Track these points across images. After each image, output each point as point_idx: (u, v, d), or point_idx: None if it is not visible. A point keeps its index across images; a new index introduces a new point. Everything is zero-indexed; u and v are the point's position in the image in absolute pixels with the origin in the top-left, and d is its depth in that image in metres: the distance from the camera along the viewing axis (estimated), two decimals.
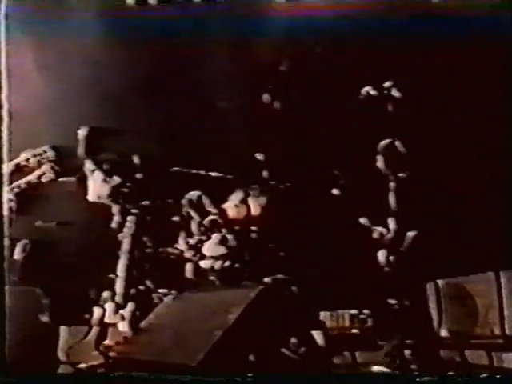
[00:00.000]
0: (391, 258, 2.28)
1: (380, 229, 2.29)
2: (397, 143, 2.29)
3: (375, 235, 2.29)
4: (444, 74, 2.23)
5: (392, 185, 2.31)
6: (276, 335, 2.15)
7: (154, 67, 2.28)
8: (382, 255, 2.28)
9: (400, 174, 2.32)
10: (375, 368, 2.20)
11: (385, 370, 2.19)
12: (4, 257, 2.27)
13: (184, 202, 2.31)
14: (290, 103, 2.29)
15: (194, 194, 2.30)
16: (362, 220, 2.30)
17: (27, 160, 2.33)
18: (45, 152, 2.31)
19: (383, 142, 2.29)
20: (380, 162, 2.30)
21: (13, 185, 2.32)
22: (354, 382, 2.13)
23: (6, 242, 2.30)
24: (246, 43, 2.25)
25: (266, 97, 2.29)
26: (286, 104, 2.29)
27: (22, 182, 2.33)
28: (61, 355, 2.25)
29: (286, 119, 2.30)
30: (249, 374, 2.07)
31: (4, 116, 2.32)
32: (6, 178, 2.32)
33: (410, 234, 2.28)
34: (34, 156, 2.32)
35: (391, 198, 2.32)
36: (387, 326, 2.24)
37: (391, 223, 2.30)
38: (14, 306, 2.24)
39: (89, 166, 2.34)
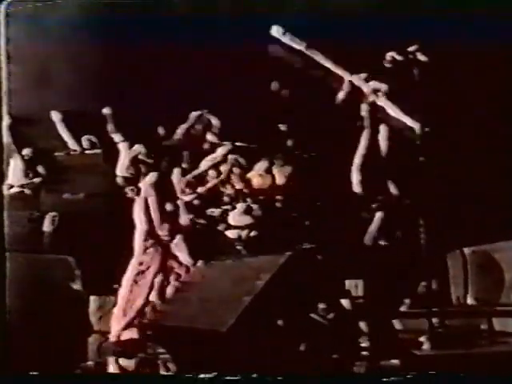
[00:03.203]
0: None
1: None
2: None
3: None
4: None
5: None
6: (304, 301, 2.16)
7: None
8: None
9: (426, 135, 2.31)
10: (421, 338, 2.22)
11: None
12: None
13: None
14: (313, 73, 2.28)
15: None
16: (391, 186, 2.30)
17: None
18: None
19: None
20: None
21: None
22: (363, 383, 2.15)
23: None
24: None
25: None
26: (309, 74, 2.28)
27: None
28: (93, 323, 2.29)
29: (309, 88, 2.29)
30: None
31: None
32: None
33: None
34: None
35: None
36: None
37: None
38: (47, 273, 2.29)
39: (117, 138, 2.36)
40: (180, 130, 2.33)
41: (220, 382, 2.10)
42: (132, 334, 2.27)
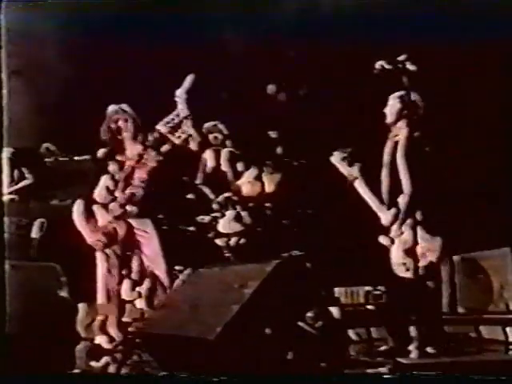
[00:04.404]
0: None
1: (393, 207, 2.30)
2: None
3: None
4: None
5: (407, 162, 2.32)
6: (292, 309, 2.16)
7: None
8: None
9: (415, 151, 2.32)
10: (410, 347, 2.22)
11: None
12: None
13: None
14: (304, 81, 2.28)
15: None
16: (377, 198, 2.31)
17: None
18: None
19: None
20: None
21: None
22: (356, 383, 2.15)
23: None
24: None
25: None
26: (300, 82, 2.29)
27: None
28: (80, 331, 2.28)
29: (300, 96, 2.30)
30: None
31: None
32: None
33: (423, 210, 2.29)
34: None
35: (405, 175, 2.32)
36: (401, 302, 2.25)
37: (404, 200, 2.30)
38: (34, 281, 2.27)
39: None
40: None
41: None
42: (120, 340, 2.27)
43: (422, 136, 2.30)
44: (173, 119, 2.30)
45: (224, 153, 2.34)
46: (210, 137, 2.33)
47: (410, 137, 2.31)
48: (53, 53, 2.28)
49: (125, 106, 2.30)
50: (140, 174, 2.32)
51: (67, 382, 2.23)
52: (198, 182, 2.35)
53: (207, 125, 2.33)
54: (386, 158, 2.31)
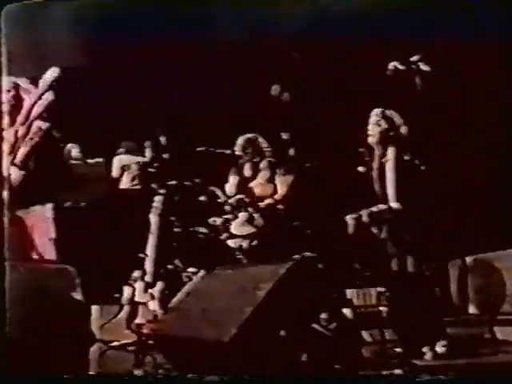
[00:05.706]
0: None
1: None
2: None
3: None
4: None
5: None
6: (306, 310, 2.16)
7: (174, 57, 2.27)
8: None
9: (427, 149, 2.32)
10: (424, 348, 2.22)
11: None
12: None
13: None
14: (317, 82, 2.28)
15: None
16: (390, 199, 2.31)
17: None
18: None
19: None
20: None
21: None
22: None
23: None
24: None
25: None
26: (312, 83, 2.29)
27: None
28: (95, 333, 2.29)
29: (312, 98, 2.29)
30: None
31: None
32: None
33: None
34: None
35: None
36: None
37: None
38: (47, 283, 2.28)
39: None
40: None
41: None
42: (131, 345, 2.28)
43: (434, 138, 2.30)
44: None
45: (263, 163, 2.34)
46: (247, 149, 2.33)
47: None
48: (53, 52, 2.29)
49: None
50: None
51: (82, 383, 2.24)
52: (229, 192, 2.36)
53: (244, 137, 2.33)
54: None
